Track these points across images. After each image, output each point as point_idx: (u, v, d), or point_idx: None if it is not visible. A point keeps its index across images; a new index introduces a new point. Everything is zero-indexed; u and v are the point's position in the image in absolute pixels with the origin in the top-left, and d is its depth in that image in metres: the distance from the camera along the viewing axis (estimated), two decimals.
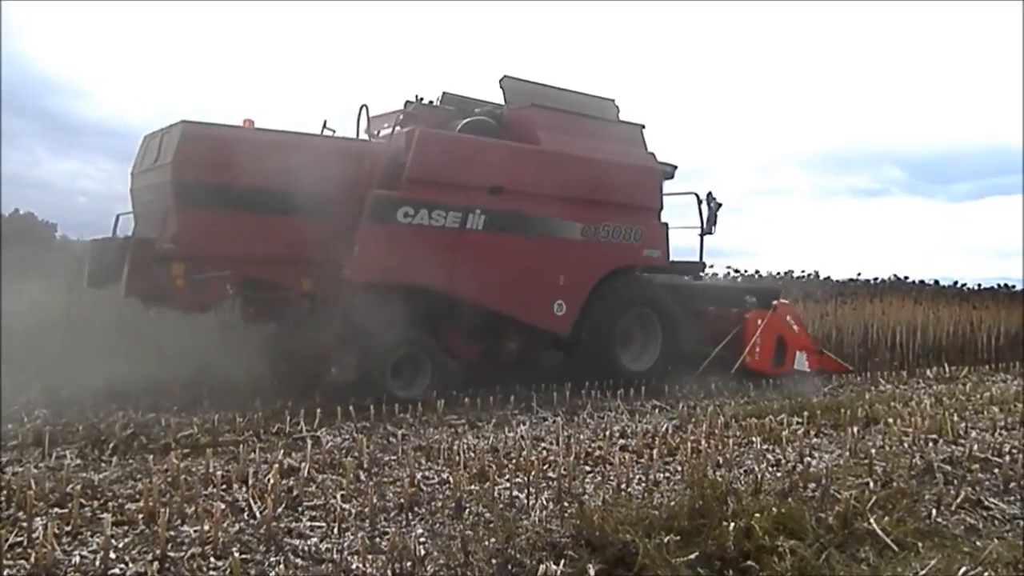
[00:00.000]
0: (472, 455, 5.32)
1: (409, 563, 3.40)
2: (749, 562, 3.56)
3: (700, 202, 10.00)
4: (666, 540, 3.48)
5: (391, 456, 5.39)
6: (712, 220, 10.01)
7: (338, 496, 4.23)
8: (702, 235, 10.07)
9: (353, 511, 4.13)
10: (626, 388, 8.25)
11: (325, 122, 8.75)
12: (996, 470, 5.46)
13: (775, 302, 10.56)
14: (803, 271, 21.71)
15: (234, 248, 7.00)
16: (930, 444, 6.26)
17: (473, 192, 7.96)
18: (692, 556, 3.46)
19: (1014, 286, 22.49)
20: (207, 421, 6.19)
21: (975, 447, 6.13)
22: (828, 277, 21.43)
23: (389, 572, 3.33)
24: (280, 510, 4.06)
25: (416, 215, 7.60)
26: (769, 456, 5.76)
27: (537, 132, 8.57)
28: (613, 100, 9.72)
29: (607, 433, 6.34)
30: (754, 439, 6.24)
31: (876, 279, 21.01)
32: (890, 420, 7.14)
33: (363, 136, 8.58)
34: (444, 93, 9.06)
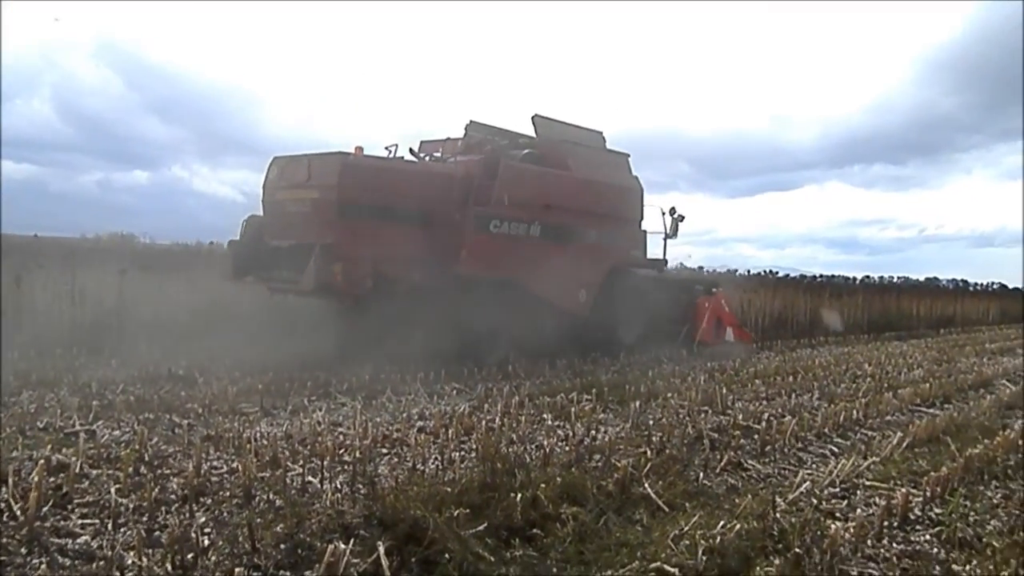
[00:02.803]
0: (265, 443, 5.17)
1: (191, 555, 3.26)
2: (535, 530, 3.75)
3: (664, 214, 13.07)
4: (456, 514, 3.57)
5: (176, 447, 5.11)
6: (674, 228, 13.06)
7: (113, 491, 3.96)
8: (665, 239, 13.14)
9: (131, 505, 3.89)
10: (426, 371, 8.32)
11: (397, 146, 10.78)
12: (755, 436, 6.07)
13: (714, 290, 13.70)
14: None
15: (373, 250, 8.91)
16: (702, 415, 6.86)
17: (534, 208, 10.42)
18: (481, 528, 3.58)
19: (778, 272, 25.00)
20: None
21: (739, 416, 6.79)
22: None
23: (168, 565, 3.18)
24: (46, 509, 3.75)
25: (502, 226, 10.02)
26: (559, 431, 6.04)
27: (568, 161, 11.17)
28: (601, 132, 12.31)
29: (405, 415, 6.39)
30: (546, 416, 6.54)
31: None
32: (669, 395, 7.73)
33: (410, 158, 11.01)
34: (471, 121, 11.33)
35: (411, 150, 11.16)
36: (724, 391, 7.87)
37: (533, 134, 11.39)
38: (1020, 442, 6.24)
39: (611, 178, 11.84)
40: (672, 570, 3.32)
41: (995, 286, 44.97)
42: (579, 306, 11.14)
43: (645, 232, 12.67)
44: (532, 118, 11.37)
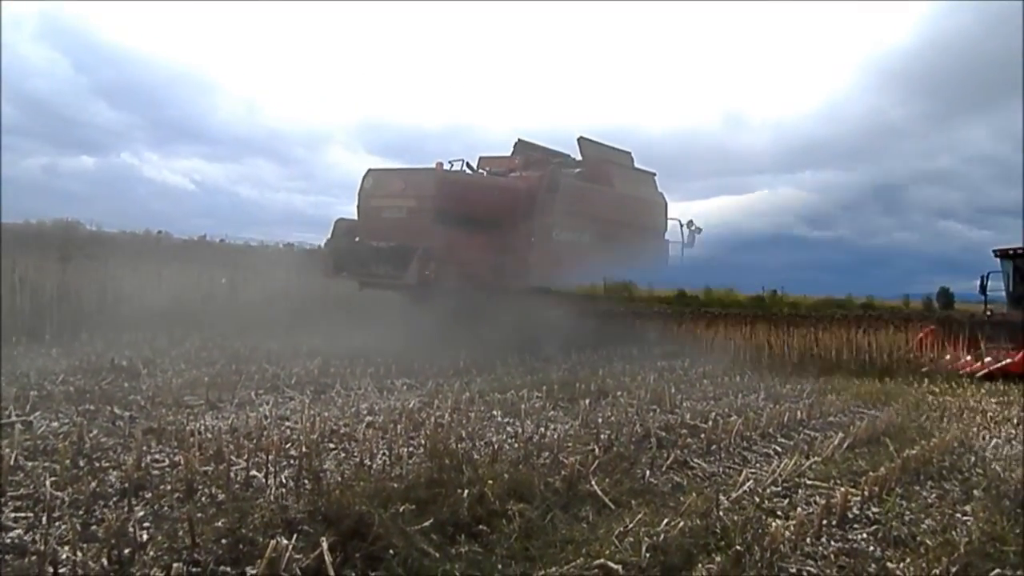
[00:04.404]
0: (209, 436, 5.08)
1: (128, 550, 3.18)
2: (481, 526, 3.74)
3: (682, 226, 15.01)
4: (402, 510, 3.55)
5: (116, 440, 5.00)
6: (691, 239, 14.95)
7: (48, 483, 3.85)
8: (683, 248, 14.97)
9: (67, 499, 3.79)
10: (376, 366, 8.26)
11: (463, 160, 12.44)
12: (702, 435, 6.14)
13: None
14: None
15: (459, 253, 10.41)
16: (650, 413, 6.93)
17: (585, 219, 12.25)
18: (427, 524, 3.56)
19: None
20: None
21: (687, 415, 6.88)
22: None
23: (104, 560, 3.10)
24: None
25: (562, 235, 11.83)
26: (509, 428, 6.05)
27: (613, 179, 13.23)
28: (630, 152, 14.36)
29: (354, 410, 6.34)
30: (496, 413, 6.54)
31: None
32: (618, 393, 7.79)
33: (467, 171, 12.46)
34: (519, 140, 13.23)
35: (468, 164, 12.73)
36: (673, 390, 7.96)
37: (543, 147, 13.33)
38: (955, 444, 6.44)
39: (643, 193, 13.99)
40: (616, 567, 3.34)
41: None
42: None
43: (668, 241, 14.85)
44: (578, 140, 13.27)
